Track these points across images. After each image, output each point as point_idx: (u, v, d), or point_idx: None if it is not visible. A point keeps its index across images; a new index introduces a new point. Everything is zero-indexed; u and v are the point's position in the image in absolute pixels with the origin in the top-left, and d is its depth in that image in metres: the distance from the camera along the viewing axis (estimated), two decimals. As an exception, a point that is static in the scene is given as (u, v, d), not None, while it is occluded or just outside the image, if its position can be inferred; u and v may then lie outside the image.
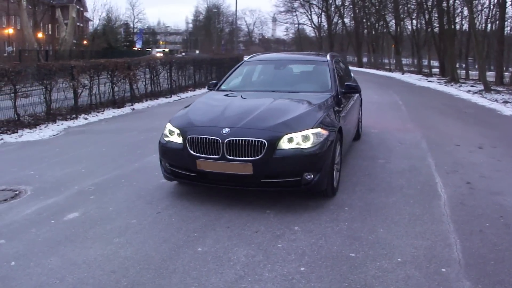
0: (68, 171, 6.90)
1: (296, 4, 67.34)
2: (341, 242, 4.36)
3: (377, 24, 51.84)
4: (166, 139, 5.65)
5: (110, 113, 13.41)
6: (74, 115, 12.47)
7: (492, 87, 20.29)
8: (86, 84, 13.47)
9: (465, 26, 35.47)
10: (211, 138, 5.14)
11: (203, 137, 5.19)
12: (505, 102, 15.87)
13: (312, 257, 4.06)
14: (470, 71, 30.01)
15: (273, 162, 4.99)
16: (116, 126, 11.26)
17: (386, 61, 47.85)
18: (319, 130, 5.19)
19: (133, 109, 14.55)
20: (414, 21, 41.25)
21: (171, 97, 17.79)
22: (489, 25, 34.52)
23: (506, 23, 24.63)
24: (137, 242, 4.43)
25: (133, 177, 6.59)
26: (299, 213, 5.12)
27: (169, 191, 5.97)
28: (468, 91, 19.99)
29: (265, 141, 4.99)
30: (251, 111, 5.55)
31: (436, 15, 31.59)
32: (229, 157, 5.06)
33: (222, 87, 7.22)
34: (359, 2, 52.82)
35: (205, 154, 5.18)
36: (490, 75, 24.72)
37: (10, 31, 49.40)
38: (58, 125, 11.20)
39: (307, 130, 5.13)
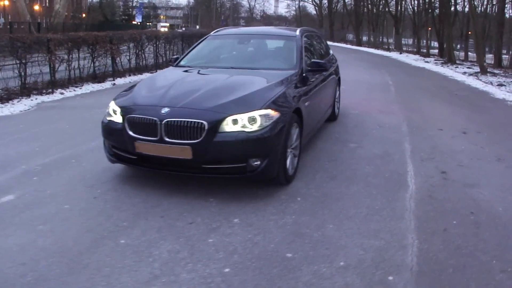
0: (22, 149, 6.41)
1: (297, -20, 66.50)
2: (280, 239, 3.83)
3: (377, 3, 50.88)
4: (108, 118, 5.14)
5: (89, 88, 12.82)
6: (50, 90, 11.87)
7: (489, 70, 19.64)
8: (64, 57, 12.85)
9: (467, 7, 34.58)
10: (149, 119, 4.61)
11: (141, 117, 4.67)
12: (500, 85, 15.26)
13: (242, 257, 3.54)
14: (469, 53, 29.25)
15: (215, 146, 4.45)
16: (90, 102, 10.69)
17: (386, 40, 46.98)
18: (268, 111, 4.62)
19: (114, 84, 13.94)
20: (415, 1, 40.36)
21: (156, 72, 17.15)
22: (489, 7, 33.70)
23: (506, 5, 23.74)
24: (60, 231, 3.97)
25: (85, 157, 6.09)
26: (244, 203, 4.59)
27: (116, 173, 5.46)
28: (464, 73, 19.34)
29: (205, 123, 4.45)
30: (197, 90, 5.00)
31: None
32: (167, 139, 4.53)
33: (182, 62, 6.67)
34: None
35: (143, 136, 4.66)
36: (490, 58, 24.03)
37: (6, 3, 48.42)
38: (32, 100, 10.64)
39: (254, 111, 4.57)
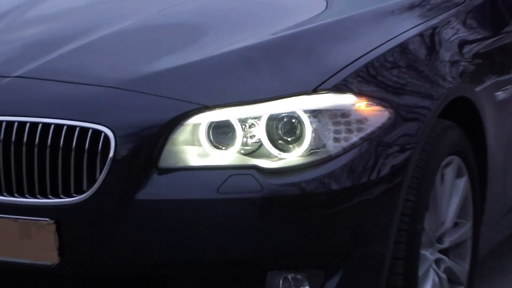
0: None
1: None
2: None
3: None
4: None
5: None
6: None
7: None
8: None
9: None
10: None
11: None
12: None
13: None
14: None
15: (138, 219, 1.10)
16: None
17: None
18: (346, 99, 1.15)
19: None
20: None
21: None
22: None
23: None
24: None
25: None
26: None
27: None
28: None
29: (108, 133, 1.10)
30: (87, 31, 1.49)
31: None
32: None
33: None
34: None
35: None
36: None
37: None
38: None
39: (290, 98, 1.12)
